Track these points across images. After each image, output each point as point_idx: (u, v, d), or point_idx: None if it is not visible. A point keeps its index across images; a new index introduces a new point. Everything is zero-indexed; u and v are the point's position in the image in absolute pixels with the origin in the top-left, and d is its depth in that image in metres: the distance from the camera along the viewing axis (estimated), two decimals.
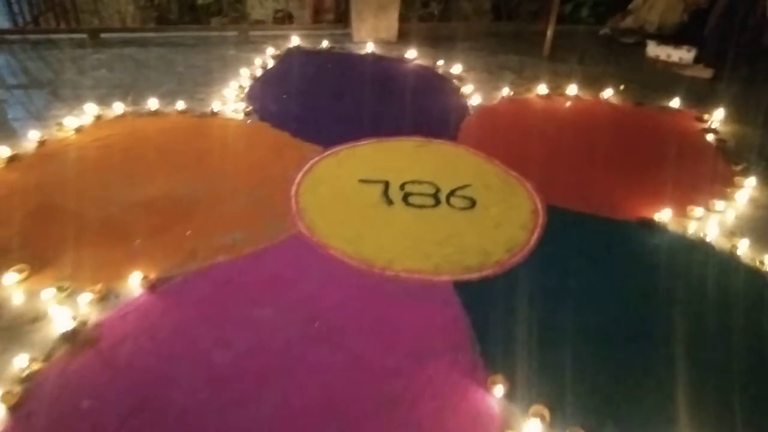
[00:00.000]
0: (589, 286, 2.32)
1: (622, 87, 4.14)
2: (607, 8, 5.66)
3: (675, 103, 3.90)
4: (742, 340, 2.07)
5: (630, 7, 5.35)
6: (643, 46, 5.02)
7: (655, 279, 2.37)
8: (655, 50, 4.92)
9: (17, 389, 1.76)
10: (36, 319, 2.03)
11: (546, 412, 1.76)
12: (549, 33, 4.78)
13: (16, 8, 4.88)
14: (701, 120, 3.74)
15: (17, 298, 2.12)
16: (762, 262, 2.44)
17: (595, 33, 5.51)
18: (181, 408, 1.74)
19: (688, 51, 4.71)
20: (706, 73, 4.49)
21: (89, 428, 1.68)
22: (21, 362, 1.83)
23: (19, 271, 2.20)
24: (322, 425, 1.72)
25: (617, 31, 5.37)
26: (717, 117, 3.73)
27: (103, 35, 4.75)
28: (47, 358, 1.88)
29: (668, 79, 4.47)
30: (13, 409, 1.71)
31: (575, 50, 4.92)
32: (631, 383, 1.90)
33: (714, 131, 3.60)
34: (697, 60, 4.64)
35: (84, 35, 4.72)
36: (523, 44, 5.02)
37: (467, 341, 2.02)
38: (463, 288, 2.27)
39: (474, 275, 2.34)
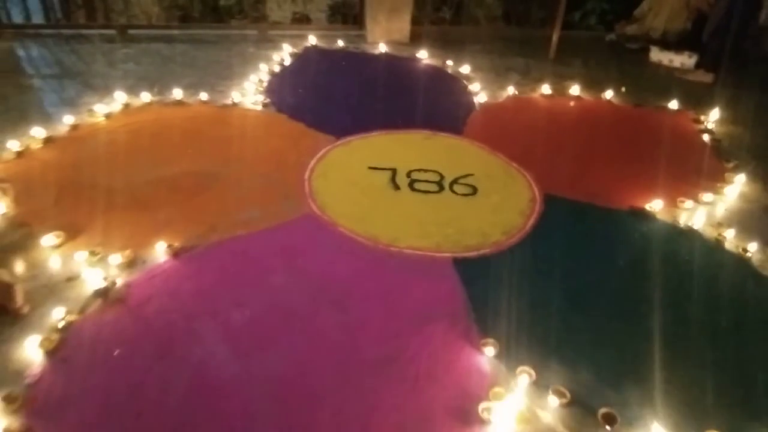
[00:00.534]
0: (578, 265, 2.46)
1: (623, 89, 4.27)
2: (615, 16, 5.79)
3: (673, 104, 4.03)
4: (722, 313, 2.21)
5: (635, 14, 5.48)
6: (647, 51, 5.16)
7: (641, 260, 2.50)
8: (657, 55, 5.05)
9: (54, 337, 1.93)
10: (71, 278, 2.21)
11: (532, 372, 1.90)
12: (554, 37, 4.93)
13: (50, 5, 5.11)
14: (698, 121, 3.87)
15: (54, 260, 2.30)
16: (745, 250, 2.57)
17: (601, 39, 5.65)
18: (201, 357, 1.91)
19: (690, 57, 4.84)
20: (706, 78, 4.61)
21: (119, 372, 1.85)
22: (58, 314, 2.00)
23: (56, 237, 2.38)
24: (327, 375, 1.87)
25: (622, 37, 5.51)
26: (713, 118, 3.85)
27: (131, 31, 4.96)
28: (81, 311, 2.05)
29: (669, 82, 4.60)
30: (50, 354, 1.88)
31: (580, 54, 5.07)
32: (612, 349, 2.04)
33: (710, 131, 3.73)
34: (698, 65, 4.76)
35: (113, 31, 4.93)
36: (530, 48, 5.16)
37: (463, 310, 2.17)
38: (461, 264, 2.42)
39: (472, 253, 2.49)
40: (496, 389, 1.83)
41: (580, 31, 5.82)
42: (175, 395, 1.77)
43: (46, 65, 4.21)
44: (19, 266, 2.24)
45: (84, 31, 4.96)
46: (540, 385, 1.87)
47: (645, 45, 5.24)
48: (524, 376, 1.88)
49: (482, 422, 1.73)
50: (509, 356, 1.96)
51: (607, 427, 1.75)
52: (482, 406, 1.77)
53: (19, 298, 2.04)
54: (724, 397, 1.86)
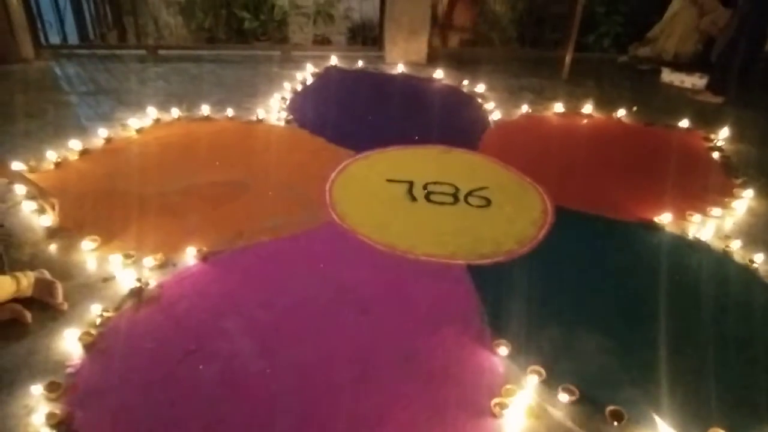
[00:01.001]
0: (588, 272, 2.54)
1: (635, 108, 4.35)
2: (629, 39, 5.89)
3: (684, 123, 4.10)
4: (729, 320, 2.27)
5: (648, 36, 5.58)
6: (658, 73, 5.25)
7: (650, 269, 2.57)
8: (669, 76, 5.14)
9: (92, 331, 2.04)
10: (106, 278, 2.33)
11: (542, 371, 1.97)
12: (567, 58, 5.04)
13: (85, 27, 5.35)
14: (708, 139, 3.93)
15: (90, 262, 2.43)
16: (752, 261, 2.62)
17: (613, 61, 5.75)
18: (228, 352, 2.01)
19: (701, 77, 4.92)
20: (716, 99, 4.67)
21: (152, 364, 1.96)
22: (95, 310, 2.13)
23: (92, 241, 2.52)
24: (347, 371, 1.96)
25: (635, 59, 5.60)
26: (722, 136, 3.91)
27: (161, 52, 5.17)
28: (117, 308, 2.17)
29: (680, 103, 4.67)
30: (88, 348, 2.00)
31: (593, 75, 5.17)
32: (621, 351, 2.11)
33: (719, 149, 3.79)
34: (708, 86, 4.83)
35: (144, 51, 5.15)
36: (544, 69, 5.28)
37: (476, 313, 2.25)
38: (475, 271, 2.51)
39: (486, 261, 2.58)
40: (508, 386, 1.90)
41: (594, 53, 5.93)
42: (206, 386, 1.88)
43: (81, 83, 4.40)
44: (60, 267, 2.37)
45: (117, 51, 5.19)
46: (550, 384, 1.94)
47: (657, 66, 5.33)
48: (534, 375, 1.95)
49: (494, 417, 1.81)
50: (520, 356, 2.03)
51: (615, 423, 1.81)
52: (494, 401, 1.84)
53: (60, 295, 2.17)
54: (728, 398, 1.92)
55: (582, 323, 2.23)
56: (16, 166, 2.92)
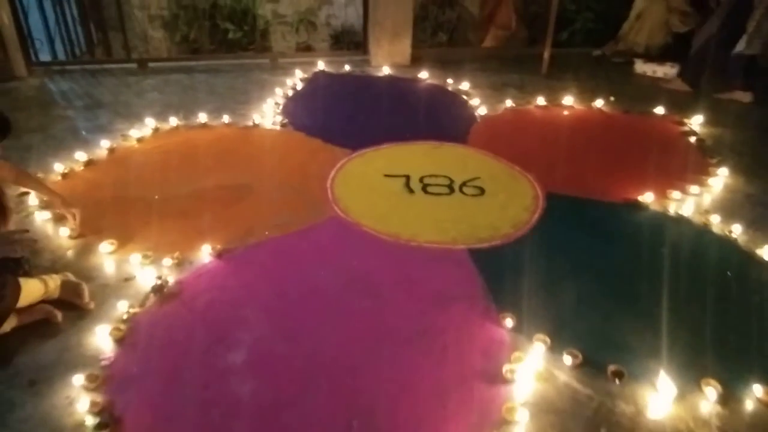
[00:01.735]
0: (581, 249, 2.70)
1: (612, 98, 4.54)
2: (599, 34, 6.11)
3: (659, 110, 4.30)
4: (714, 284, 2.46)
5: (619, 33, 5.80)
6: (631, 65, 5.46)
7: (638, 243, 2.74)
8: (642, 67, 5.36)
9: (122, 327, 2.14)
10: (127, 278, 2.43)
11: (547, 339, 2.11)
12: (546, 55, 5.23)
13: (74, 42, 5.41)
14: (682, 124, 4.14)
15: (110, 264, 2.52)
16: (730, 231, 2.81)
17: (589, 55, 5.96)
18: (250, 340, 2.12)
19: (672, 67, 5.14)
20: (685, 87, 4.89)
21: (182, 352, 2.06)
22: (121, 308, 2.22)
23: (110, 244, 2.61)
24: (366, 350, 2.09)
25: (609, 53, 5.82)
26: (696, 121, 4.12)
27: (151, 64, 5.24)
28: (141, 305, 2.27)
29: (654, 91, 4.88)
30: (119, 342, 2.09)
31: (570, 69, 5.37)
32: (618, 316, 2.27)
33: (694, 133, 3.99)
34: (679, 74, 5.05)
35: (134, 65, 5.22)
36: (524, 65, 5.46)
37: (480, 291, 2.39)
38: (476, 254, 2.65)
39: (485, 244, 2.72)
40: (517, 354, 2.04)
41: (570, 49, 6.13)
42: (234, 369, 1.99)
43: (77, 97, 4.46)
44: (81, 270, 2.46)
45: (107, 66, 5.25)
46: (554, 350, 2.08)
47: (629, 59, 5.55)
48: (540, 343, 2.09)
49: (507, 382, 1.94)
50: (525, 327, 2.17)
51: (617, 381, 1.96)
52: (506, 368, 1.98)
53: (87, 295, 2.26)
54: (718, 352, 2.08)
55: (579, 294, 2.38)
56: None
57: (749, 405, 1.92)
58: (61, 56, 5.63)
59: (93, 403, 1.82)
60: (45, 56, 5.36)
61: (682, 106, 4.43)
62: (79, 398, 1.85)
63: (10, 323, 2.07)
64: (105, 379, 1.93)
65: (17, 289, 2.01)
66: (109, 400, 1.85)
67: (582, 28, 6.40)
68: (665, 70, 5.20)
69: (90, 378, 1.91)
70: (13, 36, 4.60)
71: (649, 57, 5.44)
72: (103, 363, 2.00)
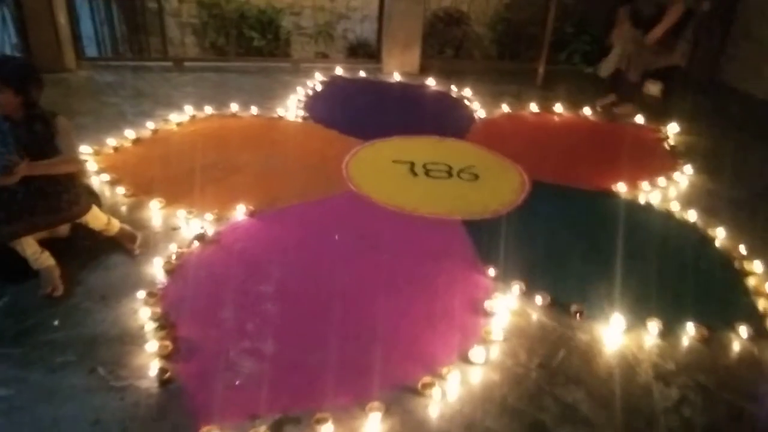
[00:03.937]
0: (558, 223, 3.10)
1: (599, 108, 4.96)
2: (595, 56, 6.51)
3: (639, 120, 4.71)
4: (668, 251, 2.87)
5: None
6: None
7: (609, 222, 3.13)
8: None
9: (173, 261, 2.54)
10: (175, 228, 2.84)
11: (523, 285, 2.50)
12: (540, 69, 5.66)
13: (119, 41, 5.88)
14: (658, 131, 4.54)
15: (159, 217, 2.93)
16: (689, 217, 3.20)
17: (581, 72, 6.38)
18: (277, 276, 2.52)
19: (653, 84, 5.55)
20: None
21: (222, 282, 2.46)
22: (172, 248, 2.62)
23: (159, 203, 3.01)
24: (376, 288, 2.49)
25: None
26: (671, 130, 4.53)
27: (186, 63, 5.70)
28: (188, 247, 2.67)
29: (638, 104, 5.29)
30: (170, 272, 2.49)
31: (563, 83, 5.77)
32: (583, 269, 2.67)
33: (667, 138, 4.40)
34: (663, 93, 5.44)
35: (171, 63, 5.67)
36: (521, 78, 5.88)
37: (470, 250, 2.79)
38: (468, 224, 3.04)
39: (476, 217, 3.12)
40: (497, 294, 2.43)
41: (564, 66, 6.55)
42: (266, 296, 2.38)
43: (121, 88, 4.90)
44: (135, 221, 2.86)
45: (146, 63, 5.71)
46: (528, 293, 2.47)
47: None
48: (516, 287, 2.48)
49: (487, 314, 2.33)
50: (505, 276, 2.57)
51: (578, 317, 2.35)
52: (487, 303, 2.37)
53: (138, 243, 2.65)
54: (662, 298, 2.47)
55: (553, 255, 2.78)
56: (84, 149, 3.41)
57: (684, 340, 2.30)
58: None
59: (153, 313, 2.22)
60: (91, 52, 5.80)
61: (659, 116, 4.83)
62: (141, 309, 2.25)
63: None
64: (161, 297, 2.33)
65: (89, 204, 2.53)
66: (165, 312, 2.25)
67: (578, 50, 6.82)
68: (649, 86, 5.60)
69: (150, 294, 2.31)
70: (68, 34, 5.07)
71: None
72: (159, 285, 2.40)
